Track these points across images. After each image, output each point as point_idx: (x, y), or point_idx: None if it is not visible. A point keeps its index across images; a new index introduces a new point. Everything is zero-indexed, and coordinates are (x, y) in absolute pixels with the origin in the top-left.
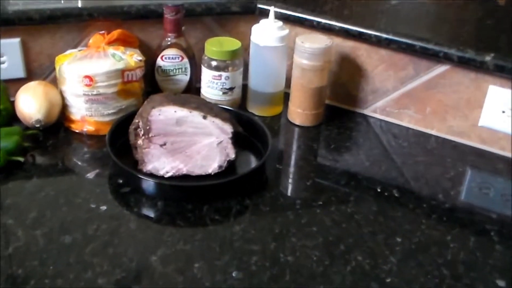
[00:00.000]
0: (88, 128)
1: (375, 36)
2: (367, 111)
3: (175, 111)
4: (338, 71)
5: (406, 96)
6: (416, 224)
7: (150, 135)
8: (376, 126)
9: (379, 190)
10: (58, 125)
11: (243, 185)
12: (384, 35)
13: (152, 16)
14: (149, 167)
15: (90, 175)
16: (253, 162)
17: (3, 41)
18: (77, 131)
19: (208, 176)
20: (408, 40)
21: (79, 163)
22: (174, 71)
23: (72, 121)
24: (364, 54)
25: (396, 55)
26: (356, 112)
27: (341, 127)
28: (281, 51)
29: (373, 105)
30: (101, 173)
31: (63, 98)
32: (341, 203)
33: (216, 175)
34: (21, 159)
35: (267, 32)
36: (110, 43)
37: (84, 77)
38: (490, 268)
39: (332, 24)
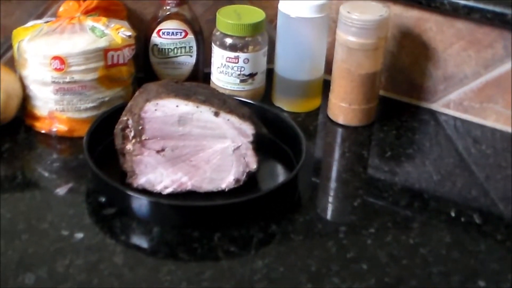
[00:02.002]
0: (59, 127)
1: (450, 3)
2: (436, 106)
3: (176, 106)
4: (397, 51)
5: (492, 85)
6: (506, 263)
7: (143, 138)
8: (449, 127)
9: (453, 214)
10: (16, 124)
11: (267, 205)
12: (462, 1)
13: None
14: (141, 180)
15: (61, 191)
16: (281, 175)
17: None
18: (43, 131)
19: (220, 194)
20: (497, 7)
21: (46, 174)
22: (175, 51)
23: (36, 118)
24: (434, 27)
25: (478, 29)
26: (421, 107)
27: (401, 127)
28: (320, 24)
29: (445, 97)
30: (76, 189)
31: (23, 86)
32: (401, 231)
33: (232, 192)
34: None
35: None
36: (88, 12)
37: (53, 59)
38: None
39: None
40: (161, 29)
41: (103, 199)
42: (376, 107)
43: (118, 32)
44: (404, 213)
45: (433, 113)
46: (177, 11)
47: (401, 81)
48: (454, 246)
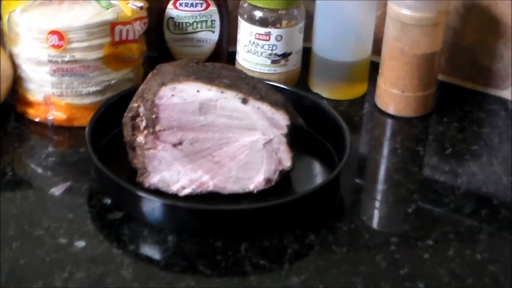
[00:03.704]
0: (56, 115)
1: None
2: (507, 93)
3: (197, 91)
4: (461, 27)
5: None
6: None
7: (157, 129)
8: None
9: None
10: (6, 110)
11: (304, 211)
12: None
13: None
14: (154, 179)
15: (57, 190)
16: (320, 175)
17: None
18: (37, 119)
19: (248, 196)
20: None
21: (40, 171)
22: (195, 25)
23: (29, 104)
24: None
25: None
26: (488, 95)
27: (465, 118)
28: None
29: None
30: (76, 188)
31: (14, 66)
32: (465, 244)
33: (261, 195)
34: None
35: None
36: None
37: (50, 34)
38: None
39: None
40: (178, 0)
41: (108, 201)
42: (434, 94)
43: (128, 3)
44: (468, 222)
45: (504, 102)
46: None
47: (464, 64)
48: None
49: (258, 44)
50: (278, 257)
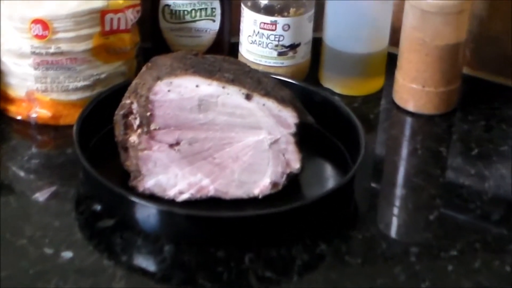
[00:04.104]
0: (40, 112)
1: None
2: None
3: (196, 86)
4: (488, 15)
5: None
6: None
7: (152, 128)
8: None
9: None
10: None
11: (314, 218)
12: None
13: None
14: (149, 183)
15: (42, 196)
16: (332, 178)
17: None
18: (19, 117)
19: (252, 202)
20: None
21: (23, 174)
22: (193, 14)
23: (10, 100)
24: None
25: None
26: None
27: (492, 116)
28: None
29: None
30: (63, 193)
31: None
32: (493, 255)
33: (267, 200)
34: None
35: None
36: None
37: (33, 23)
38: None
39: None
40: None
41: (98, 208)
42: (458, 89)
43: None
44: (496, 230)
45: None
46: None
47: (492, 56)
48: None
49: (263, 34)
50: (286, 269)
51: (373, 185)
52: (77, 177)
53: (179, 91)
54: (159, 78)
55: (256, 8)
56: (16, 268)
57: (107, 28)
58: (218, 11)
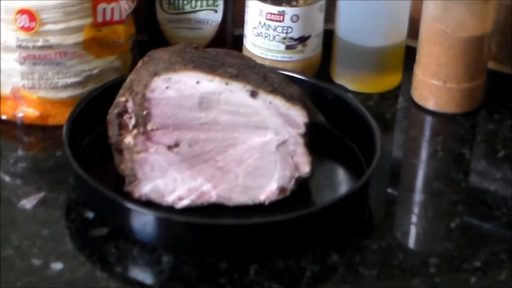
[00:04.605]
0: (27, 112)
1: None
2: None
3: (197, 82)
4: None
5: None
6: None
7: (149, 128)
8: None
9: None
10: None
11: (325, 226)
12: None
13: None
14: (146, 188)
15: (29, 202)
16: (345, 183)
17: None
18: (4, 117)
19: (258, 208)
20: None
21: (8, 179)
22: (193, 3)
23: None
24: None
25: None
26: None
27: None
28: None
29: None
30: (52, 200)
31: None
32: None
33: (274, 207)
34: None
35: None
36: None
37: (19, 13)
38: None
39: None
40: None
41: (90, 215)
42: (483, 86)
43: None
44: None
45: None
46: None
47: None
48: None
49: (269, 26)
50: (295, 281)
51: (389, 190)
52: (67, 182)
53: (178, 88)
54: (156, 74)
55: None
56: (2, 280)
57: (100, 19)
58: (220, 1)
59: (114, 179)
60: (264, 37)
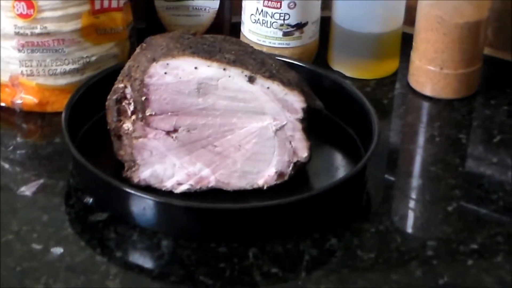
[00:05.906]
0: (25, 99)
1: None
2: None
3: (195, 68)
4: None
5: None
6: None
7: (147, 114)
8: None
9: None
10: None
11: (324, 210)
12: None
13: None
14: (145, 174)
15: (29, 189)
16: (343, 168)
17: None
18: (2, 104)
19: (256, 193)
20: None
21: (7, 166)
22: None
23: None
24: None
25: None
26: None
27: None
28: None
29: None
30: (51, 186)
31: None
32: None
33: (273, 191)
34: None
35: None
36: None
37: (17, 0)
38: None
39: None
40: None
41: (90, 200)
42: (479, 71)
43: None
44: None
45: None
46: None
47: None
48: None
49: (267, 12)
50: (293, 264)
51: (387, 175)
52: (66, 169)
53: (176, 74)
54: (154, 60)
55: None
56: (2, 265)
57: (97, 6)
58: None
59: (113, 165)
60: (261, 24)
